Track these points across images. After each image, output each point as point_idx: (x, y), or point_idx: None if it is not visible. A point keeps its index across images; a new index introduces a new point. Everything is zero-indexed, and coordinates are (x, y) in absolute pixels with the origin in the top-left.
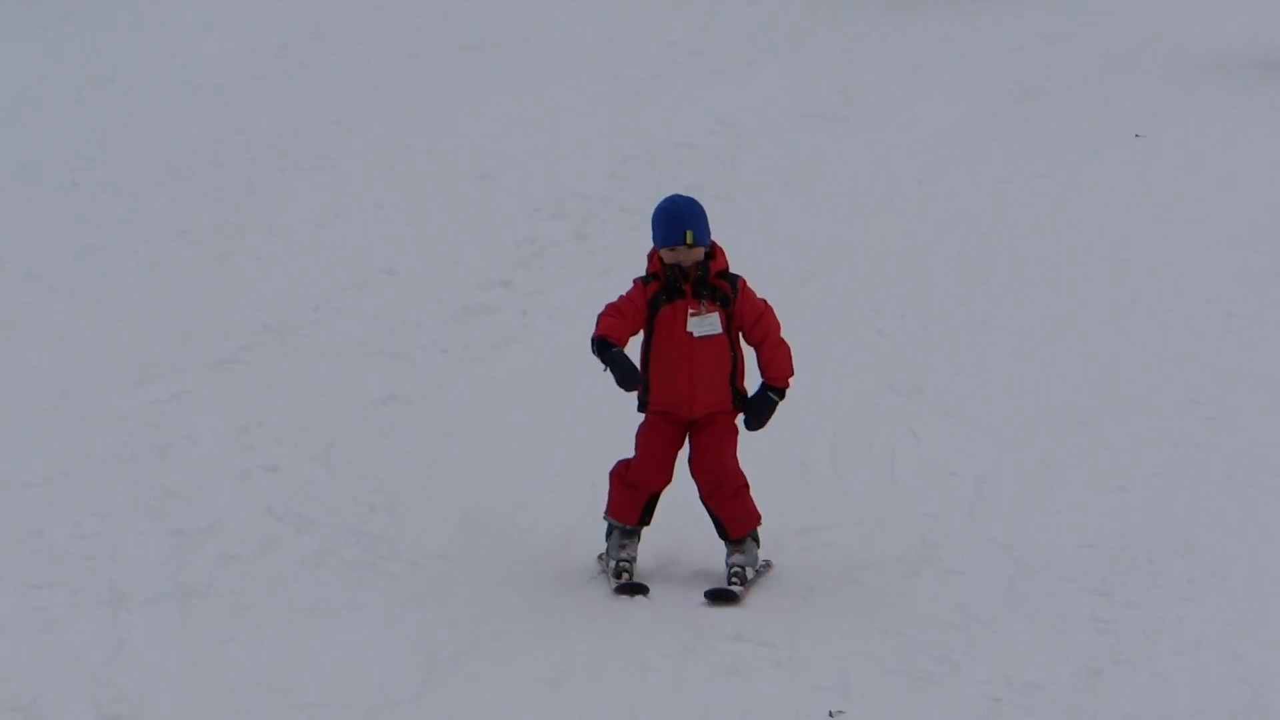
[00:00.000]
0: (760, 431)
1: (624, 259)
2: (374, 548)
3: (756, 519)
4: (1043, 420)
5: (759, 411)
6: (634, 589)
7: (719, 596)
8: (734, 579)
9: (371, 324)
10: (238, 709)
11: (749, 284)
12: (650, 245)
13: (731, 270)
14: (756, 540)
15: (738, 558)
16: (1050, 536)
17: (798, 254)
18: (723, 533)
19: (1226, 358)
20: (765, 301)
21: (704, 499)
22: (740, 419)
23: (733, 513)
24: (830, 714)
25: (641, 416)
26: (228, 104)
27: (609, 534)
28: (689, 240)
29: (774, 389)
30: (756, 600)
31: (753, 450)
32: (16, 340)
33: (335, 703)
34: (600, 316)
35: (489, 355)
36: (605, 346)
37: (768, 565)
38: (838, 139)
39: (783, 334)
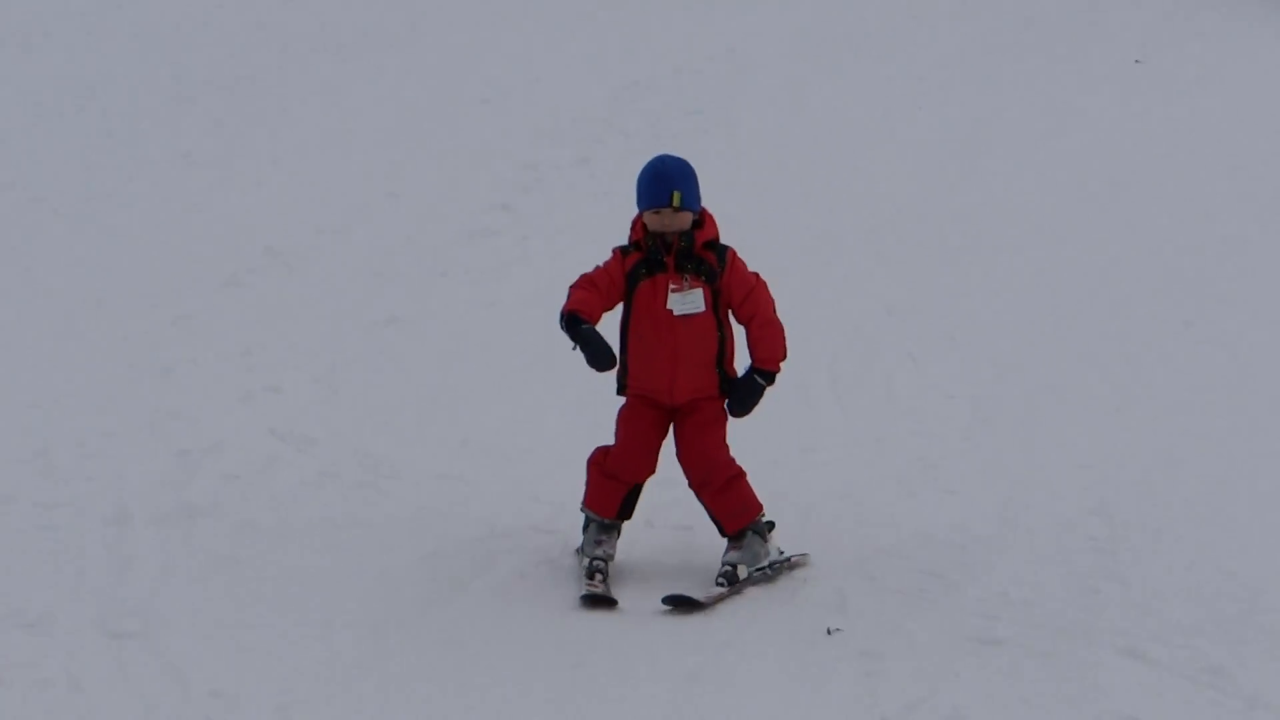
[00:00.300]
0: (746, 418)
1: (625, 184)
2: (376, 468)
3: (754, 511)
4: (1039, 343)
5: (744, 396)
6: (599, 601)
7: (679, 604)
8: (721, 578)
9: (374, 247)
10: (243, 624)
11: (740, 255)
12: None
13: (722, 241)
14: (762, 534)
15: (733, 554)
16: (1046, 457)
17: (798, 179)
18: (719, 527)
19: (1221, 283)
20: (757, 275)
21: (695, 491)
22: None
23: (725, 506)
24: (829, 631)
25: (621, 399)
26: (232, 32)
27: (586, 527)
28: (676, 202)
29: (762, 372)
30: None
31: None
32: (23, 264)
33: (338, 620)
34: (572, 288)
35: (490, 278)
36: (575, 323)
37: (789, 561)
38: (839, 66)
39: (776, 312)
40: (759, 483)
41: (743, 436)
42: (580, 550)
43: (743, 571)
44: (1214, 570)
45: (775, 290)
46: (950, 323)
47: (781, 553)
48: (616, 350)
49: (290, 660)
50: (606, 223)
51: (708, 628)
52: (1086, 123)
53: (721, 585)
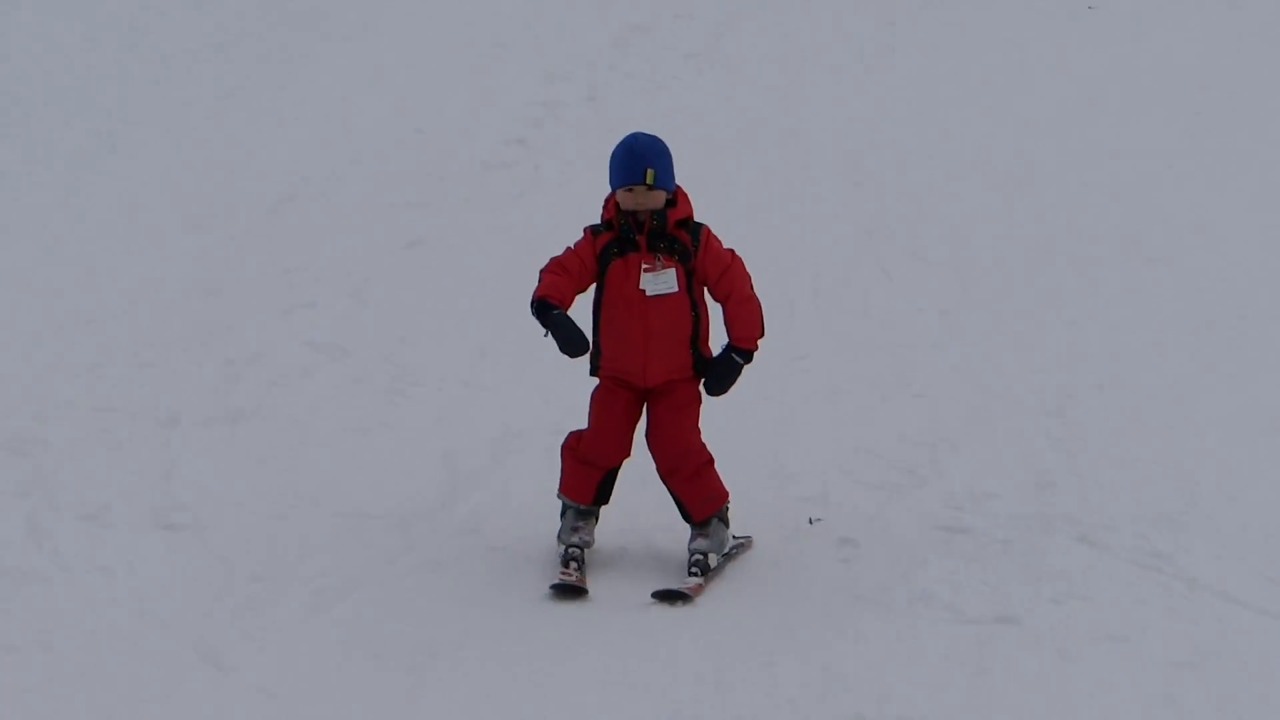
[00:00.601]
0: (724, 397)
1: (627, 118)
2: (402, 375)
3: (722, 499)
4: (1001, 260)
5: (721, 375)
6: (569, 591)
7: (667, 597)
8: (694, 568)
9: (401, 177)
10: (282, 516)
11: (714, 233)
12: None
13: (696, 219)
14: (725, 520)
15: (700, 543)
16: (1008, 364)
17: (783, 115)
18: (685, 514)
19: (1167, 208)
20: (732, 252)
21: (662, 477)
22: (700, 384)
23: (694, 493)
24: (810, 520)
25: (595, 382)
26: None
27: (563, 514)
28: (649, 180)
29: (739, 350)
30: (744, 421)
31: None
32: (85, 192)
33: (370, 510)
34: (542, 273)
35: (506, 204)
36: (545, 309)
37: (744, 543)
38: (820, 14)
39: (753, 288)
40: (750, 388)
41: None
42: (558, 537)
43: (713, 560)
44: (1158, 467)
45: (766, 217)
46: (921, 243)
47: (735, 538)
48: (589, 333)
49: (325, 549)
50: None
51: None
52: (1044, 65)
53: (695, 575)
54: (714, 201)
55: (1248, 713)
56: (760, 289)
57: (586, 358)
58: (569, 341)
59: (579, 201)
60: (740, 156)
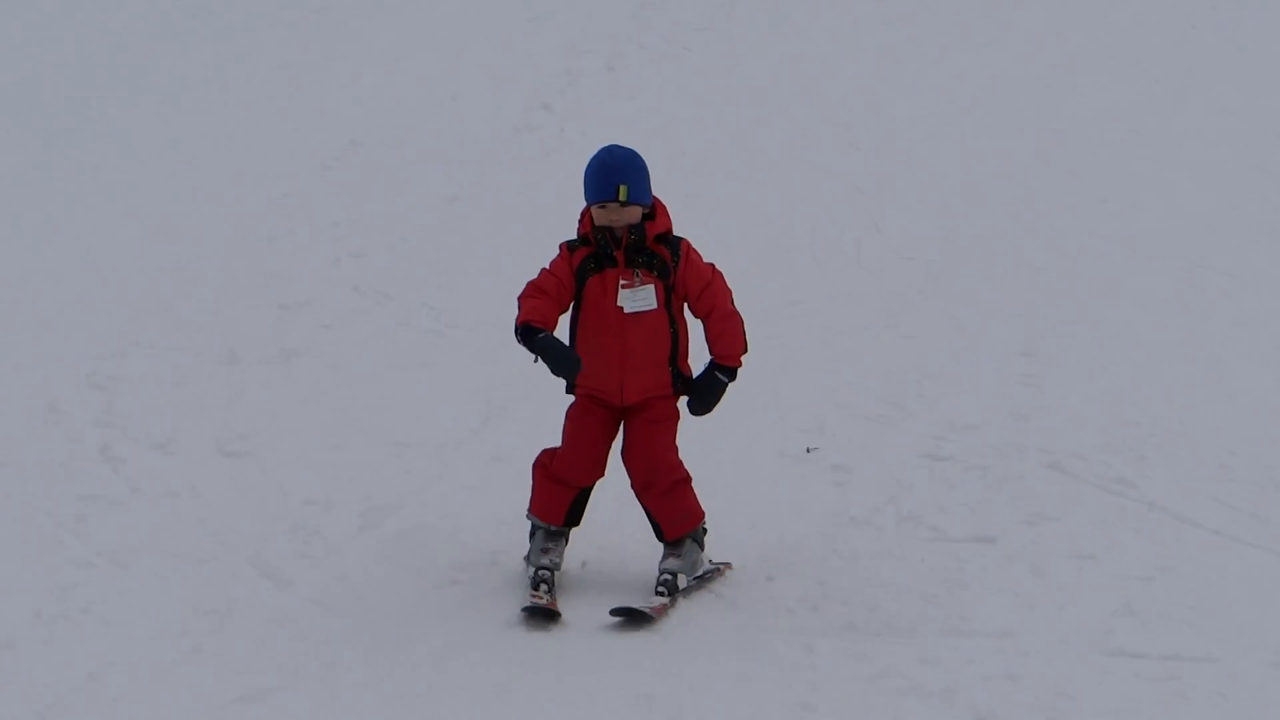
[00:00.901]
0: (708, 415)
1: (644, 89)
2: (440, 318)
3: (697, 518)
4: (981, 216)
5: (704, 395)
6: (540, 614)
7: (629, 616)
8: (661, 587)
9: (439, 139)
10: (333, 445)
11: (694, 247)
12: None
13: (676, 232)
14: (700, 541)
15: (671, 562)
16: (986, 308)
17: (784, 83)
18: (658, 533)
19: (1132, 164)
20: (713, 266)
21: (636, 493)
22: (683, 402)
23: (667, 511)
24: (807, 450)
25: (570, 399)
26: None
27: (532, 534)
28: (622, 196)
29: (723, 368)
30: (748, 361)
31: (745, 238)
32: (152, 154)
33: (411, 440)
34: (521, 299)
35: (533, 164)
36: (530, 333)
37: (720, 568)
38: None
39: (734, 304)
40: (755, 329)
41: (735, 288)
42: (526, 558)
43: (682, 581)
44: (1122, 401)
45: (768, 176)
46: (908, 200)
47: (711, 562)
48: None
49: (370, 474)
50: (630, 119)
51: (708, 448)
52: (1017, 31)
53: (662, 594)
54: (721, 163)
55: (1199, 620)
56: (763, 242)
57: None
58: (560, 362)
59: None
60: (745, 121)
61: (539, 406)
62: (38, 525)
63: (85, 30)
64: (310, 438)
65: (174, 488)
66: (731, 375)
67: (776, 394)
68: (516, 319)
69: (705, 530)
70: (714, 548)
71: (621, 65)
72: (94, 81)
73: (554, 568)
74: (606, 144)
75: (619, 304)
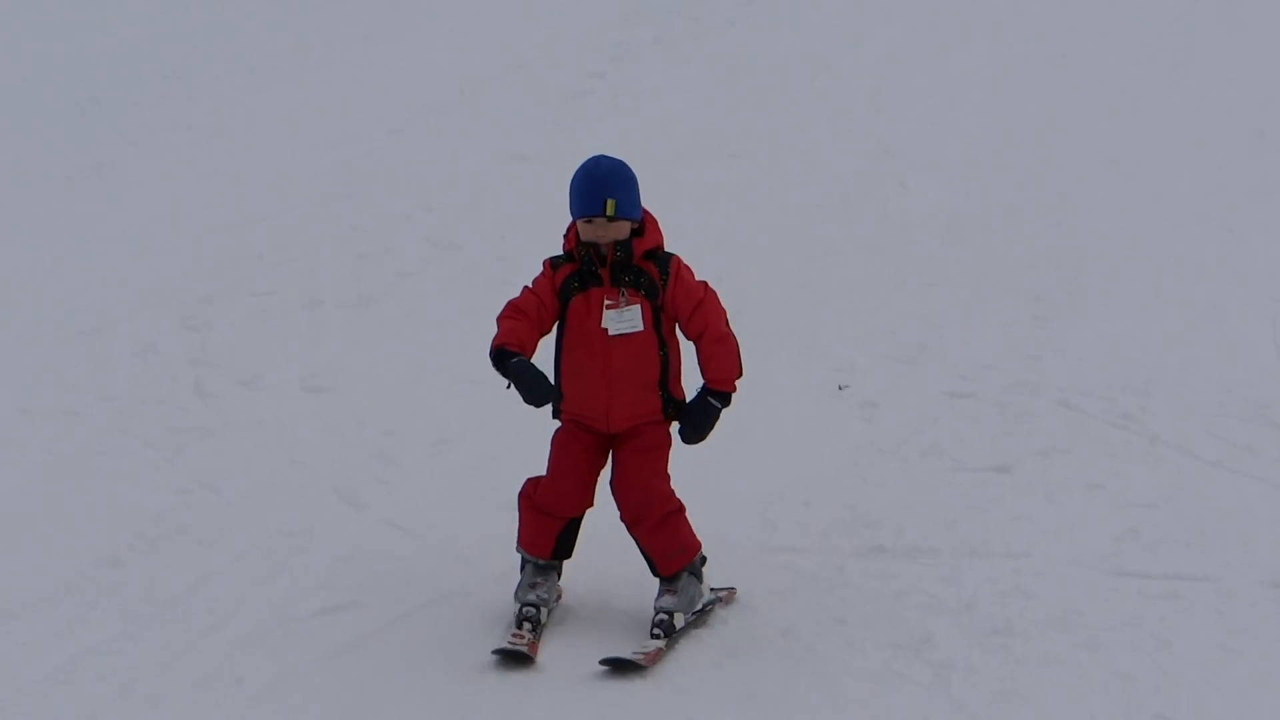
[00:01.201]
0: (702, 444)
1: (694, 62)
2: (506, 265)
3: (692, 551)
4: (997, 174)
5: (697, 421)
6: (513, 658)
7: (618, 666)
8: (656, 629)
9: (503, 103)
10: (406, 382)
11: (685, 264)
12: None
13: (668, 248)
14: (697, 574)
15: (667, 600)
16: (1002, 259)
17: (819, 52)
18: (652, 569)
19: (1137, 127)
20: (706, 285)
21: (627, 526)
22: (675, 429)
23: (660, 546)
24: (840, 387)
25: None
26: None
27: (522, 568)
28: (609, 212)
29: (716, 393)
30: (783, 306)
31: (782, 196)
32: (241, 121)
33: (478, 378)
34: (499, 319)
35: (588, 126)
36: (503, 357)
37: (722, 597)
38: None
39: (728, 324)
40: (788, 281)
41: (774, 241)
42: (515, 594)
43: (679, 620)
44: (1128, 344)
45: (803, 139)
46: (932, 159)
47: (713, 591)
48: (552, 375)
49: (441, 408)
50: (677, 85)
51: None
52: (1032, 9)
53: (658, 637)
54: (759, 127)
55: (1198, 543)
56: (799, 199)
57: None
58: (531, 390)
59: (646, 125)
60: (782, 88)
61: None
62: (139, 455)
63: (169, 9)
64: (386, 375)
65: (261, 420)
66: (725, 400)
67: (811, 338)
68: (492, 341)
69: (704, 559)
70: (757, 465)
71: (669, 37)
72: (189, 51)
73: (541, 604)
74: (594, 154)
75: (603, 325)
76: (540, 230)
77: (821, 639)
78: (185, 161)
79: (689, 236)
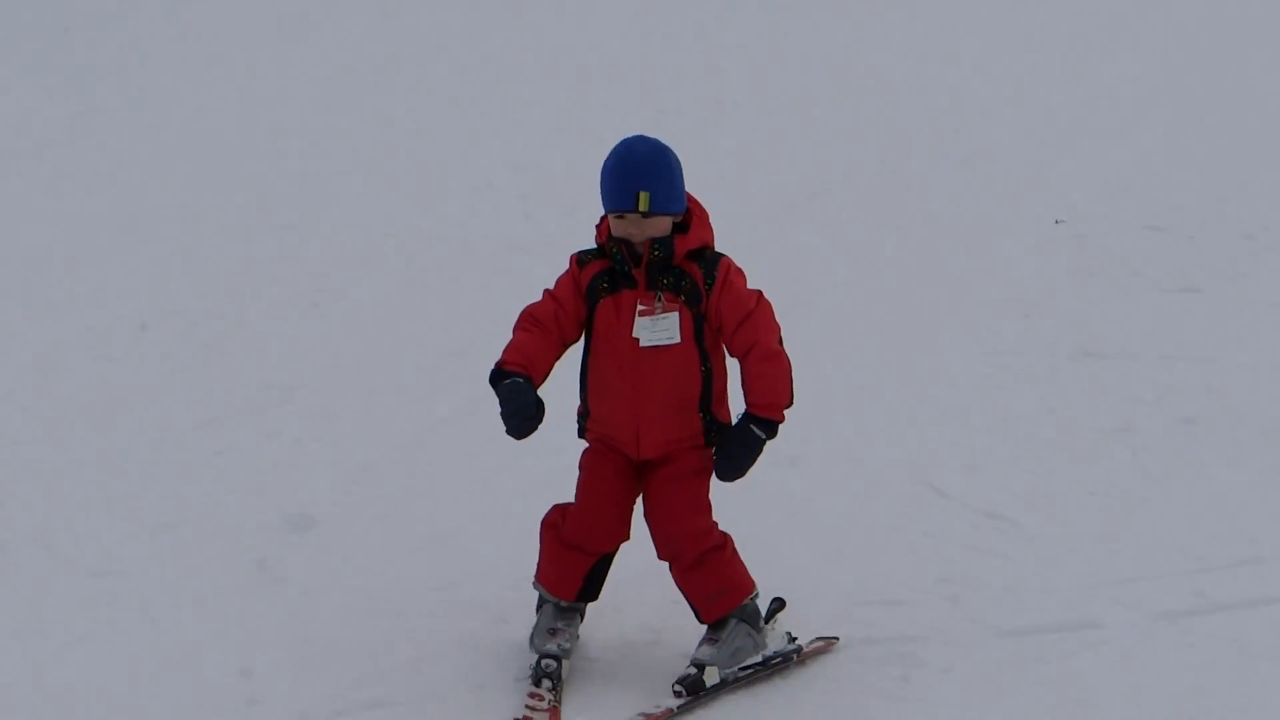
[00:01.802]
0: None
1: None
2: (540, 224)
3: (742, 593)
4: (1006, 161)
5: (735, 452)
6: None
7: None
8: (679, 685)
9: (592, 72)
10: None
11: (737, 266)
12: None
13: (717, 247)
14: (750, 621)
15: (704, 651)
16: (1021, 189)
17: (865, 46)
18: (695, 612)
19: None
20: (759, 294)
21: (665, 562)
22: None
23: (699, 588)
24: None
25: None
26: None
27: (539, 608)
28: (642, 206)
29: (760, 420)
30: (837, 215)
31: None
32: (296, 107)
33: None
34: (514, 329)
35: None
36: (498, 377)
37: (802, 650)
38: None
39: (781, 343)
40: (861, 235)
41: (814, 205)
42: (530, 641)
43: (712, 675)
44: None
45: (861, 111)
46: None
47: (793, 640)
48: (578, 387)
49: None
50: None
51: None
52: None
53: (678, 694)
54: (817, 102)
55: None
56: (844, 169)
57: (574, 416)
58: (511, 418)
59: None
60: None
61: None
62: None
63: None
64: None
65: (286, 387)
66: (771, 430)
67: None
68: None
69: (782, 602)
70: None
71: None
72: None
73: (563, 655)
74: (628, 136)
75: (635, 335)
76: (574, 193)
77: None
78: (235, 160)
79: None
